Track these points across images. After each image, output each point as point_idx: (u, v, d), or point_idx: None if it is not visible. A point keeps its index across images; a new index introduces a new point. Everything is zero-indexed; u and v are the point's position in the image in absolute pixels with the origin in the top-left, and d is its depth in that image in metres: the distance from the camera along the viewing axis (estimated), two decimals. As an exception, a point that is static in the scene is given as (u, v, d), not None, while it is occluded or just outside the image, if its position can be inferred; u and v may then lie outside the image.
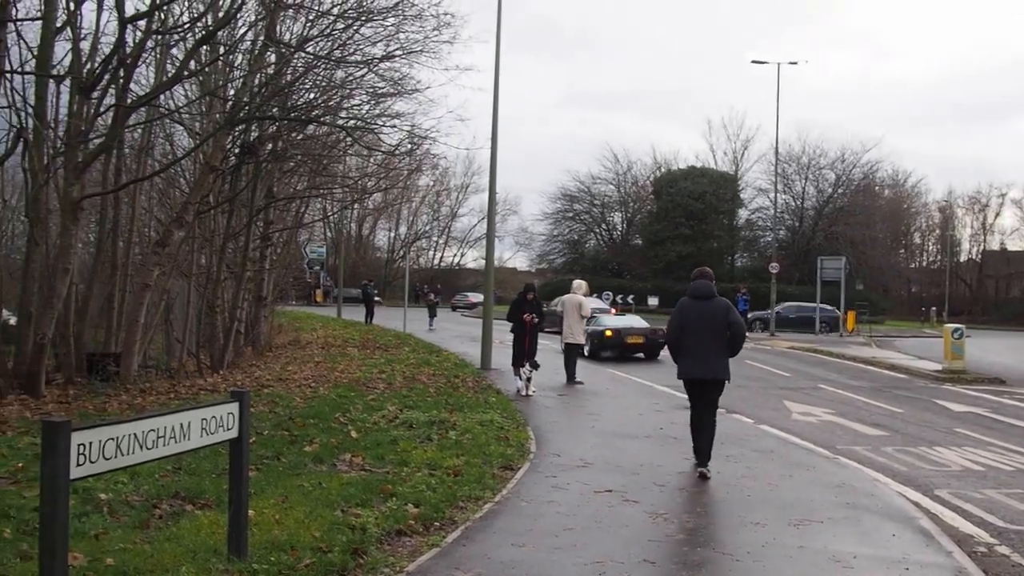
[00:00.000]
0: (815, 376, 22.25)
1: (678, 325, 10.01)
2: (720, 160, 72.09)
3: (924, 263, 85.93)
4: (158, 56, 17.86)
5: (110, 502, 7.19)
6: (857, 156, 67.33)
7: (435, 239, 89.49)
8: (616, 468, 9.81)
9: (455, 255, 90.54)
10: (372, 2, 17.72)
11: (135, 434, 4.73)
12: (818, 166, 68.05)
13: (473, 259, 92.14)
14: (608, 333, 26.08)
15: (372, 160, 26.65)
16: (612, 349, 25.94)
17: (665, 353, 13.84)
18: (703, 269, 10.50)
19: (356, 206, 60.38)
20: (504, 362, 21.65)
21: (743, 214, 71.34)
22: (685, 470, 9.83)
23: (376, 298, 45.50)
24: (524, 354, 16.95)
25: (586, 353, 27.81)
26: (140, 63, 16.32)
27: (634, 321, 28.44)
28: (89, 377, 16.85)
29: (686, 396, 10.53)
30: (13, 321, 20.37)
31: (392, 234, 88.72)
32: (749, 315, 42.03)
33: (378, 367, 20.17)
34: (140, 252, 22.77)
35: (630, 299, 55.79)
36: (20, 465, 8.28)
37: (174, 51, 19.79)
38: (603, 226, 75.43)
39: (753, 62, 43.07)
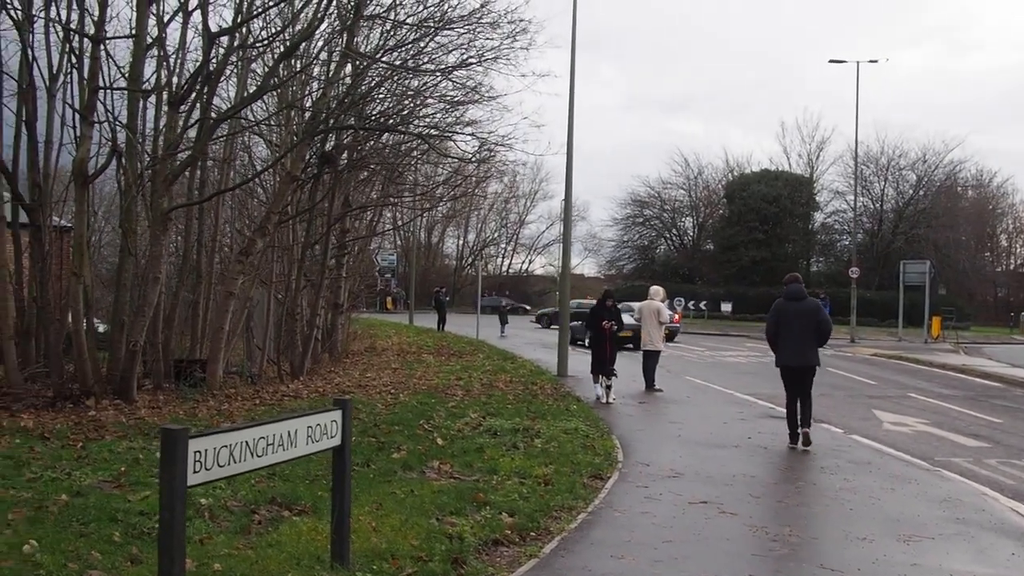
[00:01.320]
0: (903, 384, 21.72)
1: (775, 322, 12.16)
2: (795, 163, 70.89)
3: (1011, 266, 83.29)
4: (239, 70, 18.26)
5: (211, 507, 7.31)
6: (939, 156, 65.48)
7: (503, 246, 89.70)
8: (707, 479, 9.69)
9: (523, 262, 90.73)
10: (448, 12, 17.87)
11: (247, 441, 4.81)
12: (898, 167, 66.29)
13: (541, 266, 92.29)
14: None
15: (444, 167, 26.81)
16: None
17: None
18: (795, 275, 12.50)
19: (425, 214, 60.88)
20: (581, 369, 21.65)
21: (818, 218, 70.02)
22: (779, 481, 9.70)
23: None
24: (604, 361, 16.87)
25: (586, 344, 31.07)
26: (222, 78, 16.71)
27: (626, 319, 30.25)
28: (176, 383, 17.25)
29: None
30: (102, 329, 20.93)
31: (460, 241, 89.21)
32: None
33: (455, 374, 20.27)
34: (220, 261, 23.25)
35: (702, 305, 55.20)
36: (123, 469, 8.48)
37: (253, 65, 20.31)
38: (673, 231, 74.78)
39: (831, 61, 42.58)
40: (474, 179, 32.28)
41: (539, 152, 46.08)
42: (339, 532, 5.79)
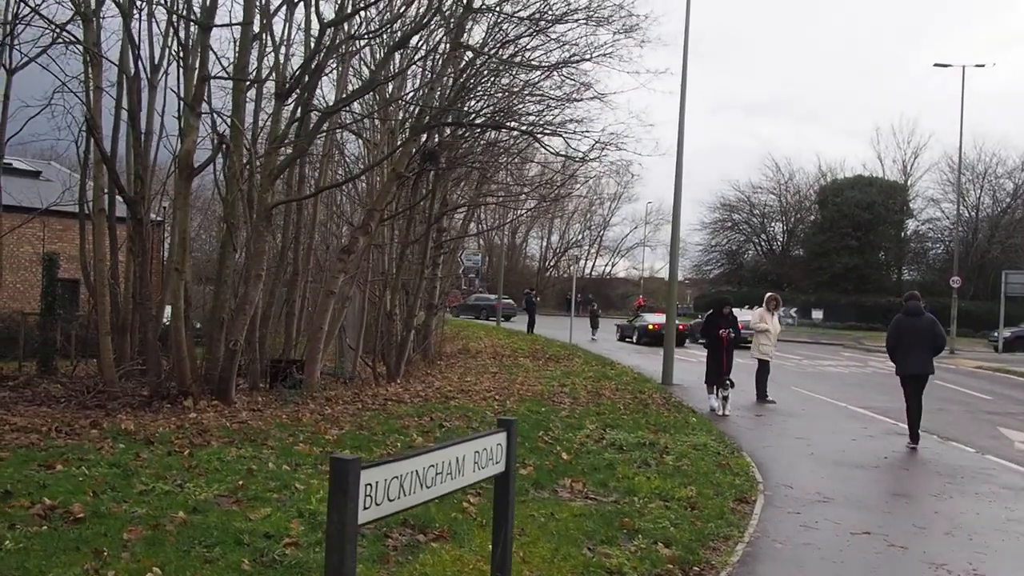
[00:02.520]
0: (1020, 400, 20.57)
1: (896, 336, 13.46)
2: (888, 169, 68.87)
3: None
4: (341, 65, 17.82)
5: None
6: (1040, 164, 63.13)
7: (586, 248, 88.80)
8: (859, 504, 8.85)
9: (606, 264, 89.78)
10: (557, 5, 17.16)
11: (417, 471, 4.14)
12: (995, 175, 64.07)
13: (624, 269, 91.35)
14: (651, 327, 35.30)
15: (545, 167, 26.15)
16: (652, 338, 34.06)
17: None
18: (913, 292, 14.24)
19: (508, 215, 60.37)
20: (685, 378, 20.84)
21: (911, 225, 67.96)
22: (940, 510, 8.78)
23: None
24: (720, 372, 16.01)
25: (634, 340, 36.52)
26: (324, 72, 16.26)
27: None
28: (271, 383, 16.83)
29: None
30: (197, 326, 20.71)
31: (544, 242, 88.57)
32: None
33: (557, 380, 19.58)
34: (315, 259, 22.90)
35: (793, 312, 53.80)
36: (239, 483, 7.91)
37: (353, 61, 19.88)
38: (762, 236, 73.17)
39: (935, 65, 40.29)
40: (582, 179, 31.62)
41: (647, 152, 44.92)
42: (502, 569, 5.10)
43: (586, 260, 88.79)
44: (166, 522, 6.62)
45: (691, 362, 21.91)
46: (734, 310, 17.67)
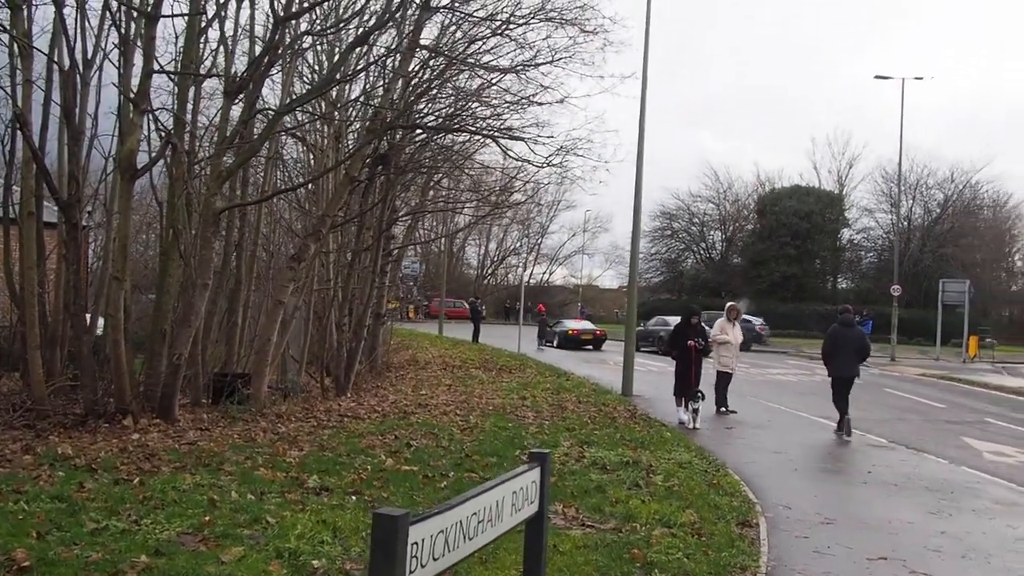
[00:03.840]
0: (972, 408, 20.56)
1: (832, 343, 15.65)
2: (824, 179, 69.68)
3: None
4: (287, 64, 16.97)
5: (328, 572, 5.95)
6: (967, 175, 64.45)
7: (524, 255, 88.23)
8: (864, 525, 8.41)
9: (544, 272, 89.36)
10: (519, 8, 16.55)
11: (461, 522, 3.46)
12: (927, 186, 65.21)
13: (562, 277, 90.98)
14: (571, 331, 39.59)
15: (505, 171, 25.54)
16: (572, 343, 38.63)
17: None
18: (847, 306, 17.04)
19: (445, 223, 59.61)
20: (644, 389, 20.36)
21: (846, 234, 68.83)
22: (946, 530, 8.37)
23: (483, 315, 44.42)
24: (689, 384, 15.49)
25: (555, 344, 38.95)
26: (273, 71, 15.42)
27: (588, 325, 41.93)
28: (216, 399, 15.87)
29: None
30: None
31: (482, 250, 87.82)
32: None
33: (515, 392, 18.94)
34: (257, 267, 21.93)
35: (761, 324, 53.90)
36: (205, 518, 7.07)
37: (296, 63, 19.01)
38: (702, 245, 73.40)
39: (876, 77, 40.57)
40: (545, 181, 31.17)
41: (618, 159, 44.34)
42: (536, 626, 4.41)
43: (524, 268, 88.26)
44: (126, 568, 5.81)
45: (639, 371, 21.33)
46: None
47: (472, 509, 3.57)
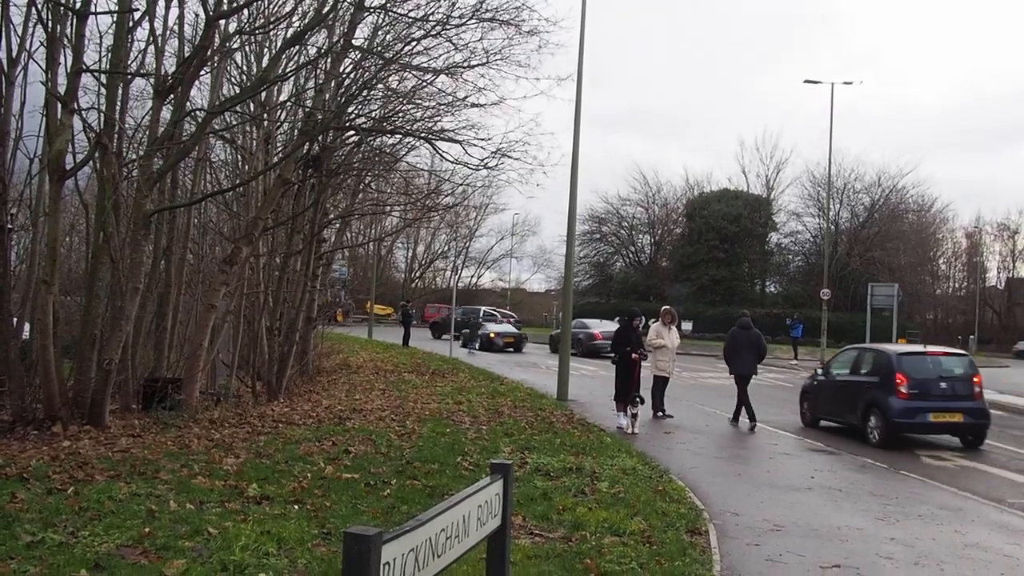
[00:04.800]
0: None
1: (733, 344, 17.59)
2: (753, 183, 70.61)
3: (950, 290, 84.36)
4: (216, 64, 16.63)
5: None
6: (894, 180, 65.81)
7: (452, 259, 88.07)
8: (813, 533, 8.43)
9: (472, 276, 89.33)
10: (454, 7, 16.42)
11: (431, 538, 3.37)
12: (853, 190, 66.47)
13: (490, 280, 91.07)
14: (492, 335, 40.59)
15: (436, 174, 25.39)
16: (493, 346, 39.57)
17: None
18: (744, 312, 18.98)
19: (374, 226, 59.17)
20: (579, 393, 20.39)
21: (774, 238, 69.83)
22: (895, 536, 8.44)
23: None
24: (630, 389, 15.52)
25: (477, 347, 39.23)
26: (205, 70, 15.10)
27: (509, 328, 44.04)
28: (147, 405, 15.50)
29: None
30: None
31: (410, 253, 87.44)
32: None
33: (450, 396, 18.79)
34: (187, 270, 21.48)
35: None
36: (144, 529, 6.85)
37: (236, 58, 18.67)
38: (631, 248, 73.86)
39: (806, 82, 41.54)
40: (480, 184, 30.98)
41: (540, 162, 44.35)
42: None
43: (451, 271, 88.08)
44: (66, 583, 5.59)
45: (571, 375, 21.23)
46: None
47: (441, 525, 3.48)
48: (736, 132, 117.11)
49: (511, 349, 40.08)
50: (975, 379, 15.24)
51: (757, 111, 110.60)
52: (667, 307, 18.77)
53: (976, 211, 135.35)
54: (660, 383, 17.59)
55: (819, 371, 17.78)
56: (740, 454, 13.33)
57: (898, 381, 14.71)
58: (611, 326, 41.77)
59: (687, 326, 54.60)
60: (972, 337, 61.91)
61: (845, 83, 40.82)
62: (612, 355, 16.69)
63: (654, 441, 14.27)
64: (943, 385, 14.89)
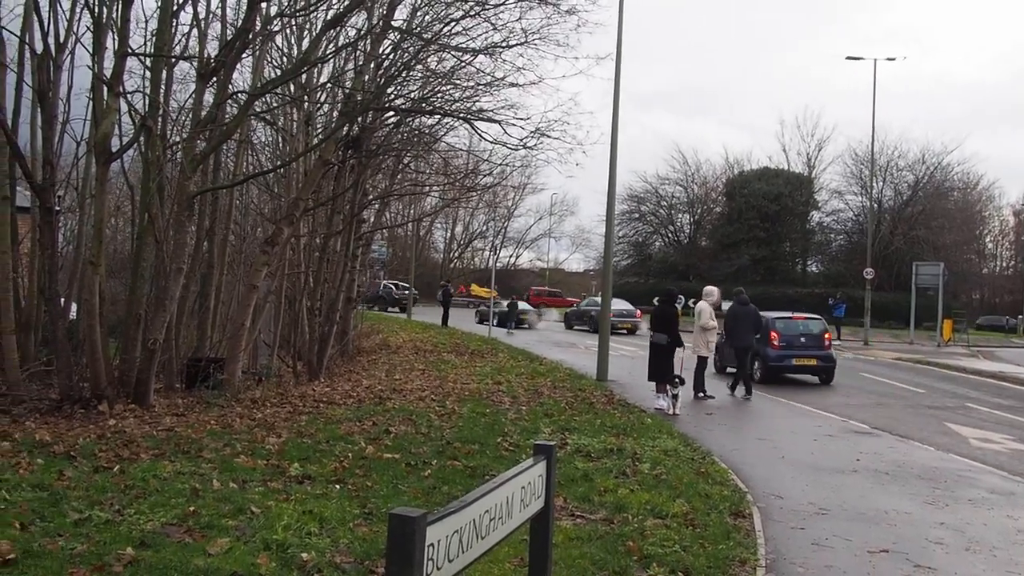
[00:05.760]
0: (953, 393, 20.59)
1: (733, 319, 18.79)
2: (793, 161, 69.63)
3: (996, 269, 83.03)
4: (258, 48, 16.70)
5: (317, 565, 5.82)
6: (939, 157, 64.56)
7: (491, 239, 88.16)
8: (860, 516, 8.31)
9: (510, 256, 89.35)
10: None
11: (474, 520, 3.35)
12: (896, 167, 65.25)
13: (528, 260, 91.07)
14: (523, 316, 43.27)
15: (474, 153, 25.36)
16: (518, 321, 42.14)
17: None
18: (740, 289, 19.79)
19: (413, 206, 59.28)
20: (619, 373, 20.34)
21: (815, 216, 68.94)
22: (945, 521, 8.29)
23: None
24: (669, 369, 15.44)
25: (512, 326, 40.75)
26: (247, 53, 15.17)
27: (528, 306, 47.18)
28: (190, 384, 15.68)
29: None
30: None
31: (448, 233, 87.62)
32: None
33: (490, 377, 18.83)
34: (229, 251, 21.67)
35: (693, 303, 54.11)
36: (191, 509, 6.92)
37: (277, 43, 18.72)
38: (670, 228, 73.32)
39: (848, 58, 41.26)
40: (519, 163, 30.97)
41: (579, 141, 44.18)
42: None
43: (490, 251, 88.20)
44: (112, 561, 5.66)
45: (610, 355, 21.18)
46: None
47: (484, 507, 3.47)
48: (776, 109, 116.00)
49: (526, 325, 42.81)
50: (826, 335, 21.83)
51: (797, 88, 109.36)
52: (714, 288, 18.65)
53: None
54: (703, 364, 17.50)
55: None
56: (783, 436, 13.18)
57: (772, 337, 20.91)
58: (622, 304, 44.30)
59: (726, 306, 54.16)
60: (1021, 317, 60.78)
61: (888, 59, 40.26)
62: (652, 336, 16.51)
63: (695, 422, 14.20)
64: (803, 339, 21.21)
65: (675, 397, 15.00)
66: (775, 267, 64.17)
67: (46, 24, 12.98)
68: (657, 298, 17.08)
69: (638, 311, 43.77)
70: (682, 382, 15.20)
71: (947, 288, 44.27)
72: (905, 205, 64.80)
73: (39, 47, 13.04)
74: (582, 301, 50.43)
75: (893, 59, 41.18)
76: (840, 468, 10.74)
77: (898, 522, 8.16)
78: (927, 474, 10.59)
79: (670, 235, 73.74)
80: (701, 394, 17.22)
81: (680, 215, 73.34)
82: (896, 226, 62.93)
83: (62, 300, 15.52)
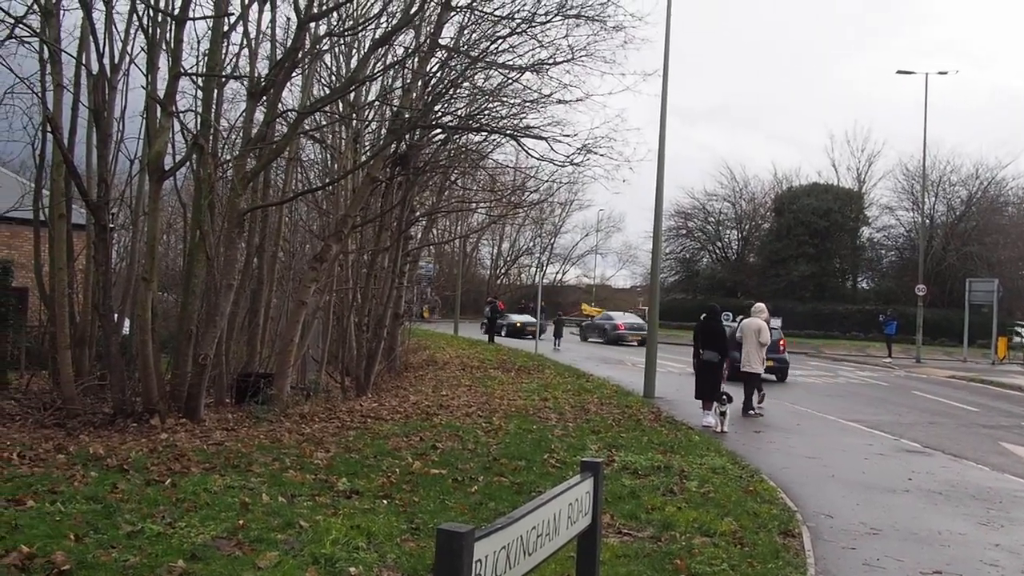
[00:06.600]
0: (1008, 412, 20.22)
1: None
2: (843, 176, 68.90)
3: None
4: (306, 66, 16.91)
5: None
6: (993, 172, 63.45)
7: (537, 255, 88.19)
8: (912, 536, 8.17)
9: (557, 272, 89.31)
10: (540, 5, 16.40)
11: (521, 536, 3.36)
12: (949, 182, 64.26)
13: (575, 276, 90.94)
14: (518, 324, 47.86)
15: (521, 170, 25.46)
16: (518, 333, 46.06)
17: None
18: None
19: (460, 223, 59.55)
20: (666, 390, 20.22)
21: (865, 232, 68.10)
22: (1000, 542, 8.12)
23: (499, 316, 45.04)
24: (716, 386, 15.32)
25: (503, 334, 44.03)
26: (296, 72, 15.36)
27: (529, 318, 48.01)
28: (239, 399, 15.87)
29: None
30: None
31: (495, 250, 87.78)
32: None
33: (536, 393, 18.81)
34: (279, 267, 21.93)
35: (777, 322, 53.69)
36: (241, 522, 7.00)
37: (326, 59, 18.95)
38: (717, 244, 72.87)
39: (899, 72, 40.61)
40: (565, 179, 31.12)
41: (626, 157, 44.28)
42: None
43: (538, 268, 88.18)
44: (164, 573, 5.76)
45: (657, 372, 21.09)
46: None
47: (532, 523, 3.47)
48: (825, 124, 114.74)
49: (530, 336, 43.92)
50: (781, 342, 26.11)
51: (846, 102, 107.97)
52: (760, 304, 18.51)
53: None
54: (754, 380, 17.34)
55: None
56: (833, 454, 13.00)
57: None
58: (633, 318, 49.19)
59: (776, 323, 53.61)
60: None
61: (940, 73, 39.49)
62: (695, 352, 16.37)
63: (743, 440, 14.06)
64: None
65: (723, 414, 14.87)
66: (825, 284, 63.50)
67: (102, 46, 13.29)
68: (703, 315, 16.96)
69: None
70: (730, 400, 15.06)
71: (1002, 305, 43.41)
72: (958, 220, 63.69)
73: (95, 68, 13.36)
74: (598, 316, 53.23)
75: (945, 73, 40.67)
76: (892, 487, 10.57)
77: (952, 543, 8.01)
78: (981, 494, 10.40)
79: (718, 251, 73.31)
80: (751, 411, 17.07)
81: (728, 231, 72.94)
82: (949, 242, 61.89)
83: (115, 316, 15.80)
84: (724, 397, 14.97)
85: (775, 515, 8.49)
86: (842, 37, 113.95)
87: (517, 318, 50.70)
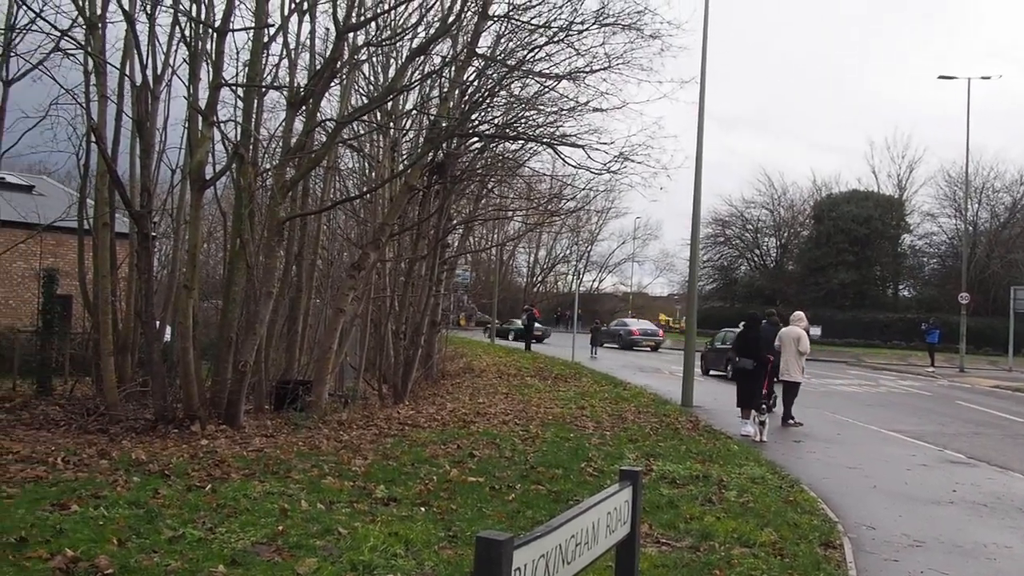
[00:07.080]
0: (1056, 423, 19.84)
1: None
2: (883, 183, 68.12)
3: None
4: (346, 76, 17.05)
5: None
6: (1038, 178, 62.41)
7: (574, 263, 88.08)
8: (957, 549, 8.05)
9: (594, 280, 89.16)
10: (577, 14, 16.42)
11: (560, 545, 3.35)
12: (992, 189, 63.29)
13: (611, 284, 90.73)
14: (633, 332, 48.77)
15: (557, 178, 25.48)
16: (532, 338, 44.25)
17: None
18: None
19: (497, 231, 59.70)
20: (704, 399, 20.10)
21: (907, 240, 67.26)
22: (1046, 554, 7.99)
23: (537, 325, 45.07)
24: (757, 395, 15.21)
25: (510, 338, 43.62)
26: (335, 82, 15.49)
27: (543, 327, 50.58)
28: (278, 406, 16.00)
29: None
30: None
31: (531, 258, 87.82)
32: None
33: (573, 401, 18.78)
34: (317, 276, 22.09)
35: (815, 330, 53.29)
36: (280, 528, 7.05)
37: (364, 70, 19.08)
38: (756, 251, 72.38)
39: (940, 77, 39.75)
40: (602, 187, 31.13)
41: (663, 165, 44.20)
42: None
43: (575, 276, 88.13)
44: (206, 579, 5.79)
45: (695, 380, 20.97)
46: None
47: (570, 532, 3.46)
48: (864, 130, 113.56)
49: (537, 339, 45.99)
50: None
51: (886, 108, 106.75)
52: (799, 312, 18.35)
53: None
54: (792, 390, 17.19)
55: (707, 345, 23.45)
56: (874, 465, 12.85)
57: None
58: (646, 325, 51.00)
59: (815, 331, 53.14)
60: None
61: (983, 78, 38.74)
62: (737, 361, 16.28)
63: (782, 450, 13.94)
64: None
65: (762, 424, 14.75)
66: (865, 291, 62.82)
67: (145, 57, 13.50)
68: (742, 322, 16.86)
69: (661, 331, 51.69)
70: (770, 409, 14.93)
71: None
72: (1002, 227, 62.72)
73: (138, 79, 13.57)
74: (612, 322, 55.23)
75: (988, 78, 39.84)
76: (935, 499, 10.43)
77: (998, 556, 7.88)
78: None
79: (756, 259, 72.84)
80: (791, 421, 16.92)
81: (766, 239, 72.46)
82: (993, 249, 60.93)
83: (157, 323, 16.01)
84: (764, 406, 14.84)
85: (816, 526, 8.40)
86: (882, 43, 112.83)
87: (637, 326, 51.36)
